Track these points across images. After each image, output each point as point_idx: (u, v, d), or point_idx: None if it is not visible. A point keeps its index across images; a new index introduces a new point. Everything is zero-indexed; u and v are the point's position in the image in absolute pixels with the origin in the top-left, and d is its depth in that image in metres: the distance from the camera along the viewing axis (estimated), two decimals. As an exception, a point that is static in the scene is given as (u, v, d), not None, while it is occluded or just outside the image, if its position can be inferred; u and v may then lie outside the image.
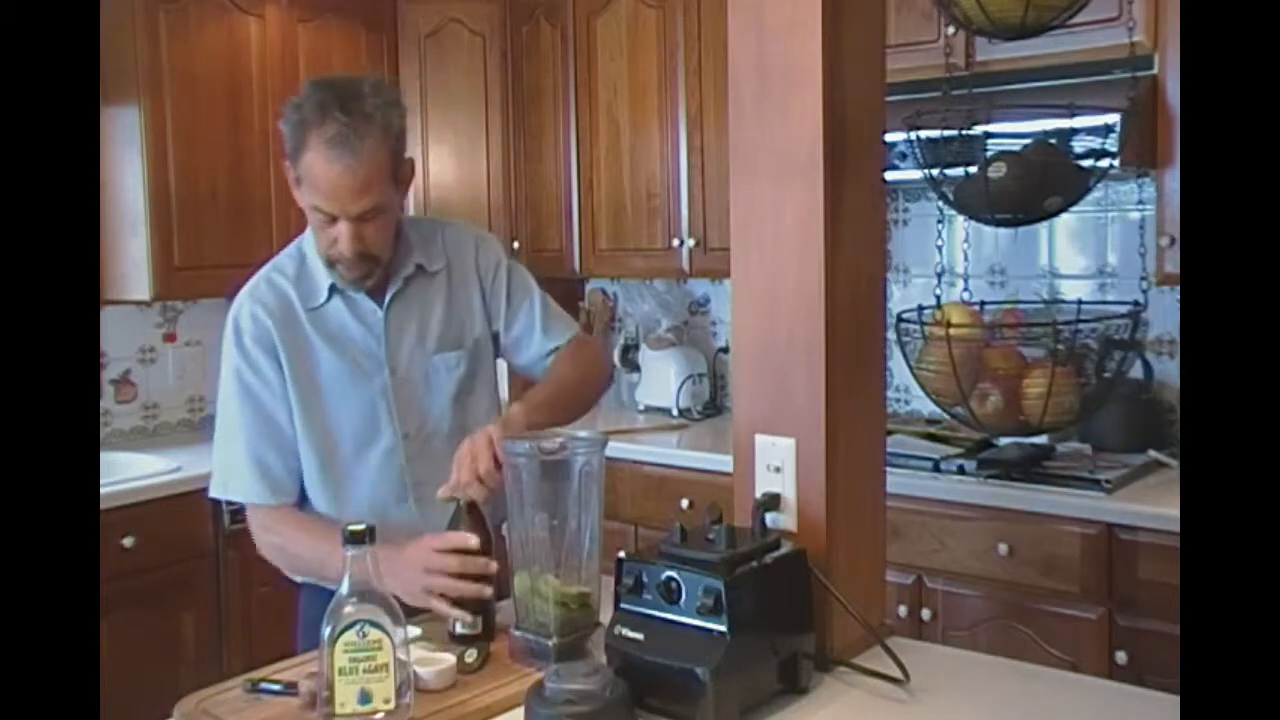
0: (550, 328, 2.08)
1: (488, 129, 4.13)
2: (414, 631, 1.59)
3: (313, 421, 1.92)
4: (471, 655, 1.61)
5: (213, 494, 1.99)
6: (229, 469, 1.94)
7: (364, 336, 1.95)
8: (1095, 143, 1.63)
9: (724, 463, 2.17)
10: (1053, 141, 1.65)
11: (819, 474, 1.64)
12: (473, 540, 1.70)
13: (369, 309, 1.96)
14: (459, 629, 1.70)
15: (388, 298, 1.96)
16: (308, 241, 1.97)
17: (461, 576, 1.69)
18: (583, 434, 1.70)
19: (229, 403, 1.94)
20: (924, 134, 1.64)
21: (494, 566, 1.71)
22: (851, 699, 1.55)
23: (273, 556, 1.95)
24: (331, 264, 1.90)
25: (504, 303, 2.07)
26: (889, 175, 1.86)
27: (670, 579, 1.48)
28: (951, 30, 2.72)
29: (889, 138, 1.76)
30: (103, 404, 3.65)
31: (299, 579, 1.99)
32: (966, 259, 3.29)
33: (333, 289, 1.94)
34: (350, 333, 1.95)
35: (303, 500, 1.96)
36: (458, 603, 1.70)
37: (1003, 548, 2.76)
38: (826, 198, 1.61)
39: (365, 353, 1.95)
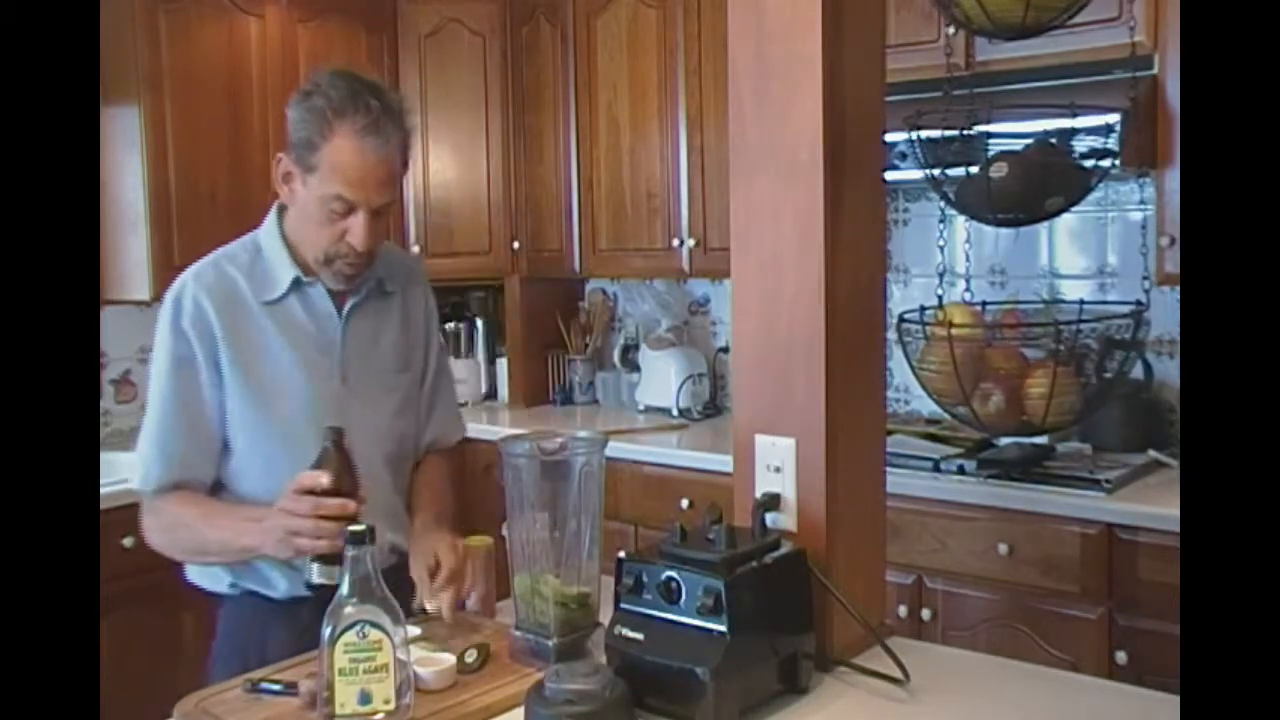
0: (454, 426, 2.11)
1: (488, 129, 4.13)
2: (413, 631, 1.59)
3: (255, 410, 1.84)
4: (471, 655, 1.61)
5: (139, 485, 1.86)
6: (146, 454, 1.85)
7: (318, 338, 1.89)
8: (1096, 143, 1.63)
9: (724, 463, 2.17)
10: (1054, 141, 1.66)
11: (819, 474, 1.64)
12: (324, 479, 1.64)
13: (327, 313, 1.90)
14: (315, 577, 1.66)
15: (349, 306, 1.91)
16: (266, 235, 1.92)
17: (323, 519, 1.64)
18: (583, 434, 1.70)
19: (156, 388, 1.86)
20: (925, 134, 1.64)
21: (352, 507, 1.65)
22: (851, 699, 1.55)
23: (166, 540, 1.85)
24: (328, 261, 1.84)
25: (431, 371, 2.05)
26: (889, 175, 1.86)
27: (670, 579, 1.48)
28: (952, 30, 2.73)
29: (889, 138, 1.76)
30: (103, 404, 3.65)
31: (217, 589, 1.92)
32: (968, 259, 3.29)
33: (294, 284, 1.87)
34: (305, 330, 1.89)
35: (214, 490, 1.88)
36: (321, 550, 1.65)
37: (1003, 548, 2.76)
38: (826, 198, 1.61)
39: (318, 355, 1.89)
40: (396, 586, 1.91)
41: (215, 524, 1.81)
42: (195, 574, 1.95)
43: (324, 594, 1.58)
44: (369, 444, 1.88)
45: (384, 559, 1.92)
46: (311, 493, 1.65)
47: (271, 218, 1.94)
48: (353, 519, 1.62)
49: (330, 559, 1.64)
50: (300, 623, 1.74)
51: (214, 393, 1.84)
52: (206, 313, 1.83)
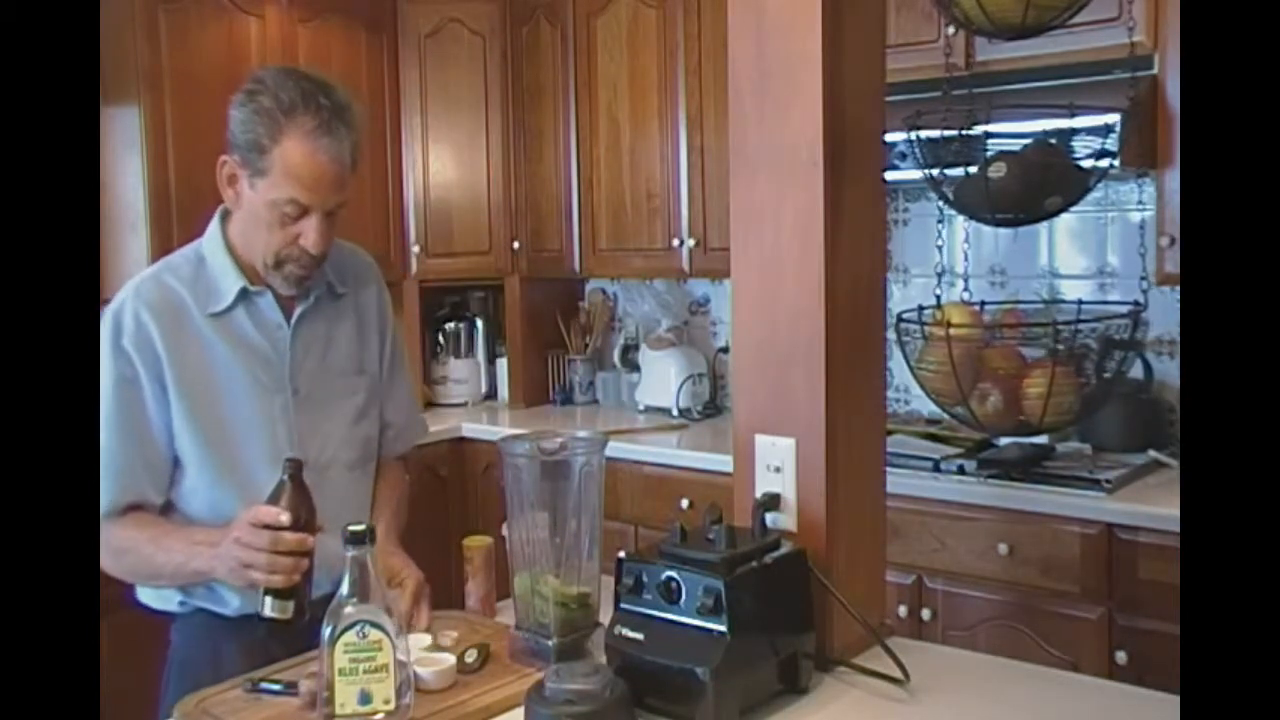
0: (410, 428, 2.08)
1: (488, 129, 4.13)
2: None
3: (203, 428, 1.78)
4: (471, 655, 1.61)
5: (102, 508, 1.72)
6: (102, 477, 1.71)
7: (266, 351, 1.83)
8: (1095, 143, 1.63)
9: (724, 463, 2.17)
10: (1053, 141, 1.66)
11: (819, 474, 1.64)
12: (283, 516, 1.61)
13: (274, 323, 1.84)
14: (267, 610, 1.63)
15: (297, 313, 1.86)
16: (209, 245, 1.86)
17: (277, 554, 1.61)
18: (583, 434, 1.70)
19: (102, 405, 1.75)
20: (924, 134, 1.64)
21: (310, 542, 1.62)
22: (851, 699, 1.55)
23: (116, 564, 1.76)
24: (278, 265, 1.79)
25: (385, 369, 2.00)
26: (889, 175, 1.86)
27: (670, 579, 1.48)
28: (951, 30, 2.73)
29: (889, 138, 1.76)
30: (103, 404, 3.65)
31: (167, 608, 1.87)
32: (967, 259, 3.28)
33: (241, 295, 1.82)
34: (252, 343, 1.83)
35: (165, 511, 1.82)
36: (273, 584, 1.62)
37: (1003, 548, 2.76)
38: (826, 198, 1.61)
39: (265, 368, 1.83)
40: None
41: (166, 547, 1.75)
42: (145, 594, 1.88)
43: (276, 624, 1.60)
44: (328, 452, 1.86)
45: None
46: (269, 528, 1.61)
47: (214, 225, 1.88)
48: (308, 553, 1.62)
49: (284, 594, 1.63)
50: (254, 639, 1.72)
51: (160, 411, 1.77)
52: (148, 329, 1.77)
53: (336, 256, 1.90)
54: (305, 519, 1.63)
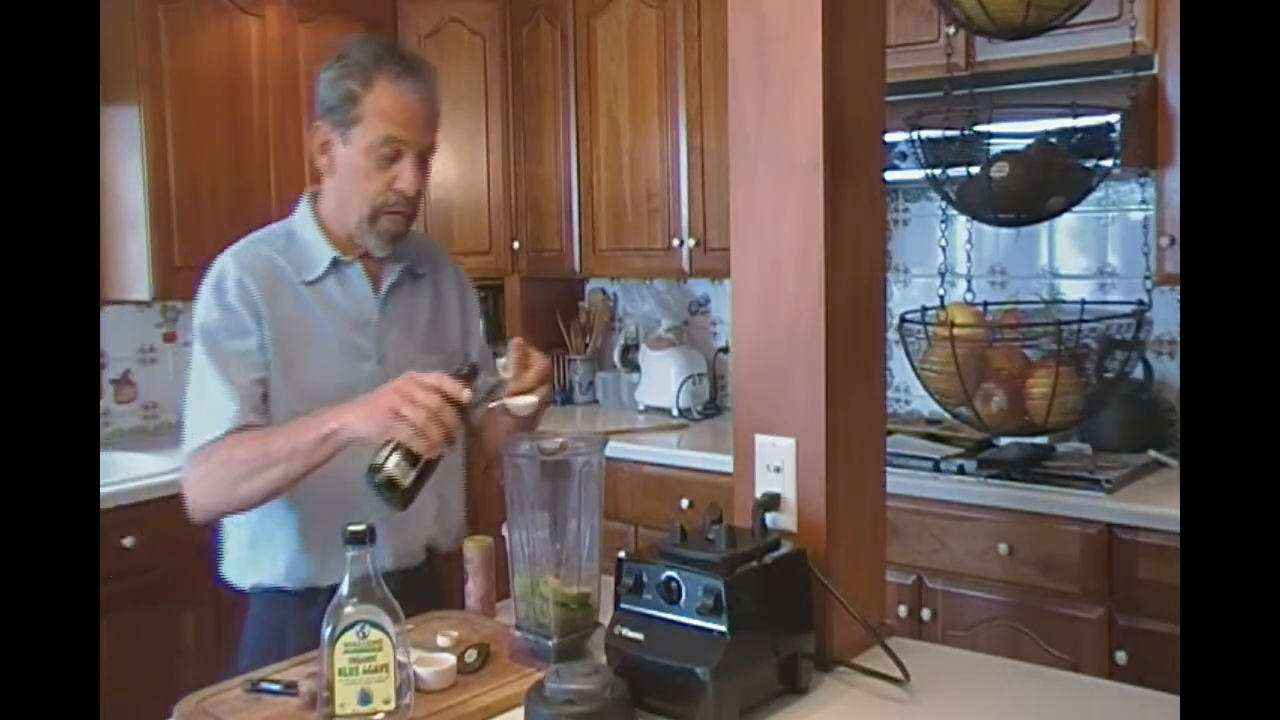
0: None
1: (488, 129, 4.14)
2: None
3: (294, 387, 1.85)
4: (471, 655, 1.61)
5: (187, 449, 1.81)
6: (202, 416, 1.81)
7: (355, 319, 1.92)
8: (1096, 142, 1.63)
9: (724, 463, 2.17)
10: (1054, 141, 1.66)
11: (819, 474, 1.64)
12: (465, 394, 1.62)
13: (364, 294, 1.93)
14: (389, 466, 1.60)
15: (385, 287, 1.95)
16: (299, 221, 1.95)
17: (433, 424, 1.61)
18: (583, 434, 1.70)
19: (203, 359, 1.83)
20: (925, 134, 1.64)
21: (454, 438, 1.64)
22: (851, 699, 1.55)
23: (217, 477, 1.77)
24: (374, 217, 1.86)
25: (475, 352, 2.06)
26: (889, 175, 1.86)
27: (670, 579, 1.48)
28: (952, 30, 2.72)
29: (890, 138, 1.76)
30: (103, 404, 3.66)
31: (243, 584, 1.92)
32: (968, 259, 3.29)
33: (333, 264, 1.91)
34: (343, 311, 1.92)
35: None
36: (409, 448, 1.61)
37: (1003, 548, 2.76)
38: (826, 198, 1.60)
39: (355, 335, 1.92)
40: (425, 585, 1.94)
41: (286, 429, 1.76)
42: (229, 568, 1.95)
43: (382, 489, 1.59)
44: None
45: (414, 557, 1.96)
46: (443, 396, 1.62)
47: (304, 205, 1.97)
48: (451, 443, 1.62)
49: (412, 460, 1.60)
50: (318, 614, 1.72)
51: (259, 358, 1.84)
52: (250, 290, 1.85)
53: (418, 243, 2.03)
54: (470, 409, 1.64)
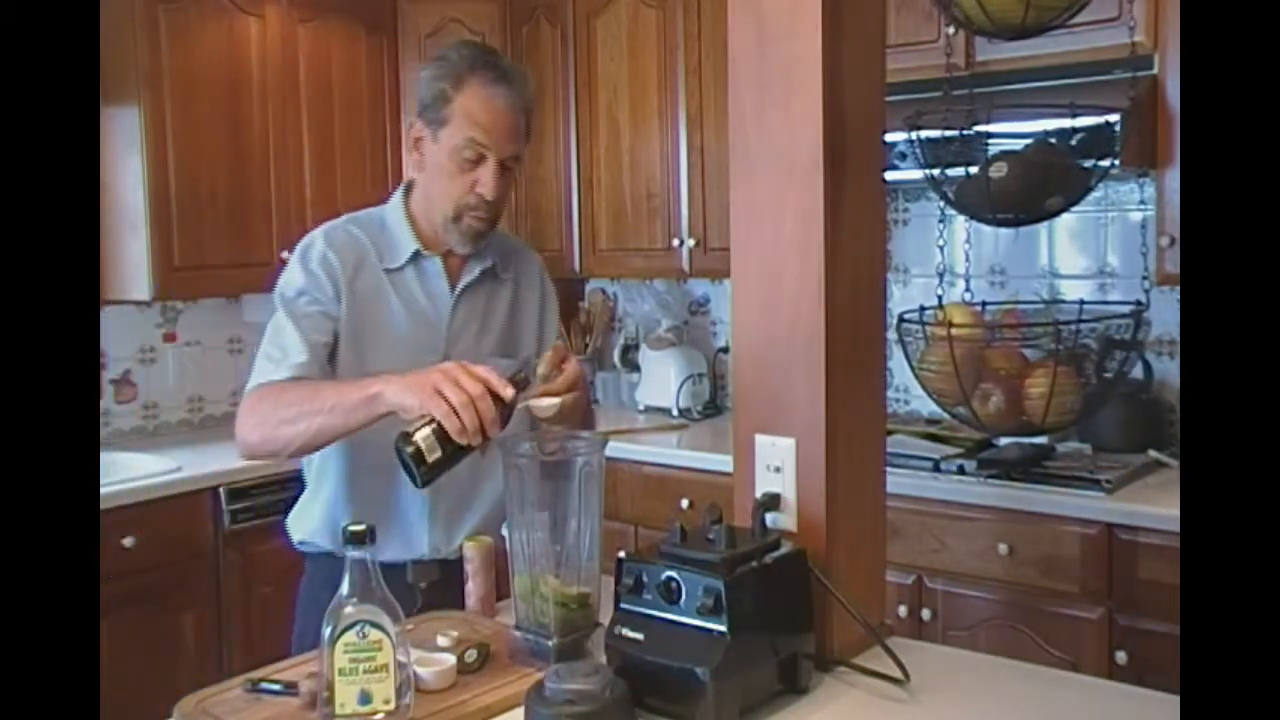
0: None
1: (488, 129, 4.13)
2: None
3: (359, 365, 1.89)
4: (471, 655, 1.61)
5: (249, 386, 1.86)
6: (269, 360, 1.86)
7: (429, 313, 1.98)
8: (1096, 143, 1.63)
9: (724, 463, 2.17)
10: (1053, 141, 1.66)
11: (819, 474, 1.64)
12: (508, 390, 1.63)
13: (440, 290, 1.99)
14: (418, 437, 1.60)
15: (461, 285, 1.99)
16: (391, 210, 2.01)
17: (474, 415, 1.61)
18: (583, 434, 1.70)
19: (280, 316, 1.90)
20: (925, 134, 1.64)
21: (489, 428, 1.62)
22: (851, 699, 1.55)
23: (265, 411, 1.80)
24: (456, 217, 1.92)
25: (548, 338, 2.10)
26: (889, 175, 1.86)
27: (670, 579, 1.48)
28: (952, 30, 2.72)
29: (889, 138, 1.76)
30: (103, 404, 3.66)
31: (303, 539, 1.98)
32: (968, 259, 3.29)
33: (414, 256, 1.96)
34: (418, 303, 1.97)
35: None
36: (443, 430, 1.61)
37: (1003, 548, 2.76)
38: (826, 198, 1.60)
39: (425, 330, 1.96)
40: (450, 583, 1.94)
41: (333, 385, 1.80)
42: (294, 524, 2.02)
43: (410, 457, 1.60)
44: None
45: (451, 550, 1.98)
46: (487, 388, 1.62)
47: (397, 195, 2.03)
48: (486, 437, 1.61)
49: (445, 440, 1.60)
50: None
51: (330, 324, 1.90)
52: (333, 264, 1.92)
53: (505, 245, 2.09)
54: (506, 415, 1.65)
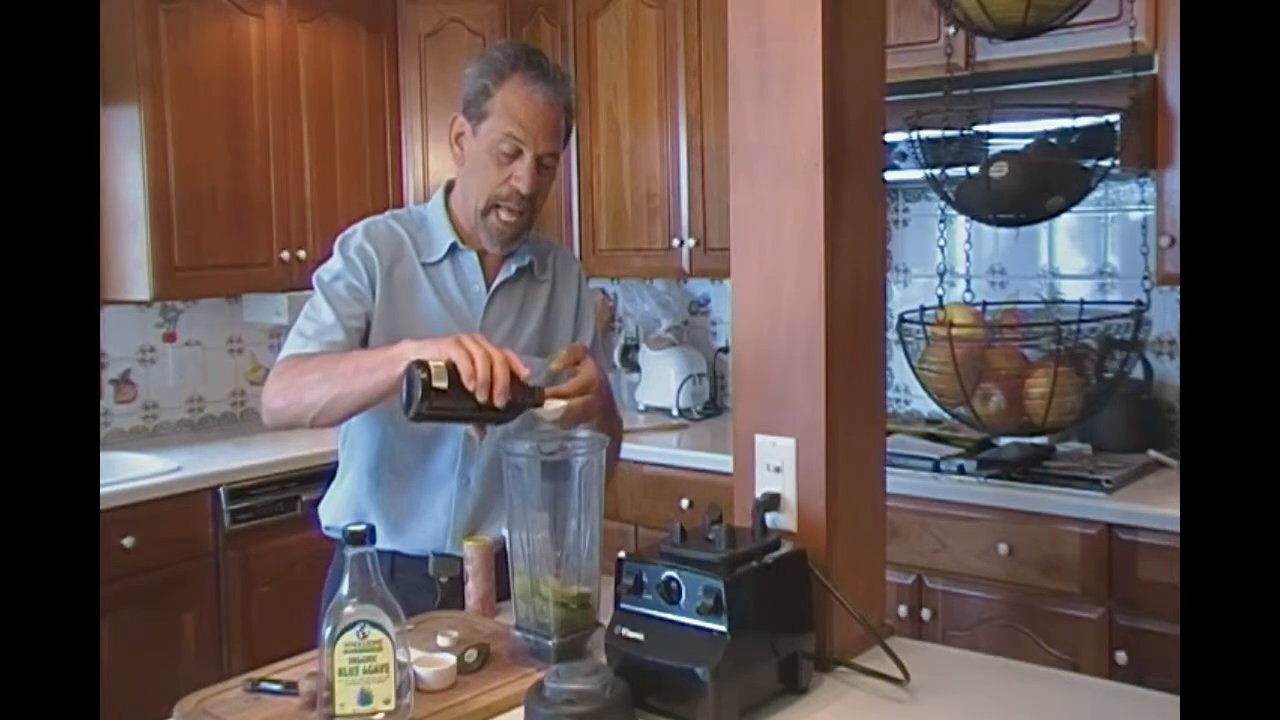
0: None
1: (488, 129, 4.13)
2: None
3: None
4: (471, 655, 1.61)
5: (280, 357, 1.89)
6: (301, 333, 1.90)
7: (463, 308, 2.00)
8: (1096, 143, 1.63)
9: (724, 463, 2.17)
10: (1054, 141, 1.66)
11: (819, 474, 1.64)
12: (525, 370, 1.64)
13: (476, 286, 2.01)
14: (432, 364, 1.60)
15: (497, 282, 2.02)
16: (432, 207, 2.05)
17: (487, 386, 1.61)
18: (583, 434, 1.70)
19: (316, 296, 1.93)
20: (925, 134, 1.64)
21: (499, 392, 1.61)
22: (851, 699, 1.55)
23: (289, 378, 1.83)
24: (490, 209, 1.94)
25: (585, 333, 2.11)
26: (889, 175, 1.86)
27: (670, 579, 1.48)
28: (952, 30, 2.72)
29: (889, 138, 1.76)
30: (103, 404, 3.66)
31: (335, 524, 1.98)
32: (968, 259, 3.29)
33: (451, 250, 1.99)
34: (452, 297, 2.00)
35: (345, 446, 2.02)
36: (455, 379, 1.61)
37: (1003, 548, 2.76)
38: (826, 198, 1.60)
39: (459, 324, 1.96)
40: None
41: (357, 353, 1.84)
42: (327, 511, 2.05)
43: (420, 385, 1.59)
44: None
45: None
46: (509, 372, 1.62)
47: (439, 194, 2.07)
48: (473, 412, 1.61)
49: (455, 378, 1.59)
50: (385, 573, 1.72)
51: (364, 308, 1.93)
52: (372, 256, 1.95)
53: (545, 247, 2.14)
54: (522, 400, 1.65)
